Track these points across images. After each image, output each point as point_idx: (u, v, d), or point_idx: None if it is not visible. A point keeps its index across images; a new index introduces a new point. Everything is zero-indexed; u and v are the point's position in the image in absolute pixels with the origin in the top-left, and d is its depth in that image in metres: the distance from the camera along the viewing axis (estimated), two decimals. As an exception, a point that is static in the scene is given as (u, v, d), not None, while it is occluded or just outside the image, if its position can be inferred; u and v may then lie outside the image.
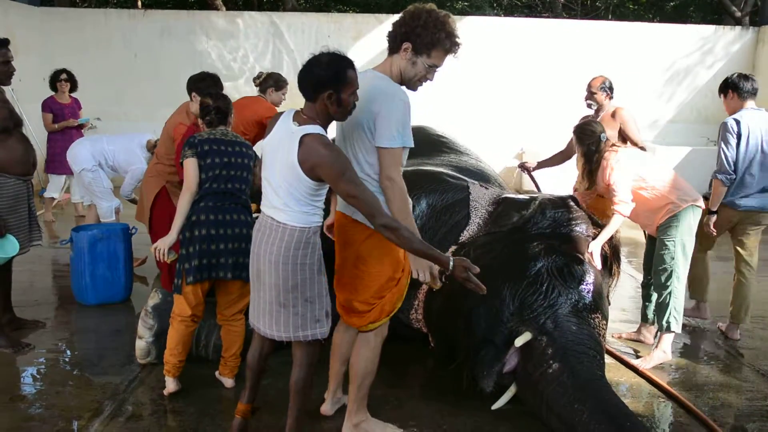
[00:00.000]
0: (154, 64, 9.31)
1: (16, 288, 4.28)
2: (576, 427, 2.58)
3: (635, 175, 3.74)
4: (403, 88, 2.63)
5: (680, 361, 3.88)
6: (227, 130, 3.32)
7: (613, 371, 3.64)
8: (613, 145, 3.90)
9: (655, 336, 3.95)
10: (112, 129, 8.19)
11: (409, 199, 2.61)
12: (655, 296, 3.94)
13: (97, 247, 4.55)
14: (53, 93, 6.83)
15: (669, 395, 3.41)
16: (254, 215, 3.29)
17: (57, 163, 6.66)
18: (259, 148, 2.82)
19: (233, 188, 3.20)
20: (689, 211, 3.71)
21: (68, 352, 3.87)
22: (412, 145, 2.58)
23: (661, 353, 3.76)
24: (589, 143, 3.83)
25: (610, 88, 4.75)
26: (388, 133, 2.51)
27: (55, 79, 6.77)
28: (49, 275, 5.43)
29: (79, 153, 5.38)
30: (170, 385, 3.24)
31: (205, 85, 4.07)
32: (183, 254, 3.14)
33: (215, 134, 3.25)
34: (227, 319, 3.33)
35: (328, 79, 2.36)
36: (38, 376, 3.54)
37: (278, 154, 2.45)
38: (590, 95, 4.77)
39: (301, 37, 9.55)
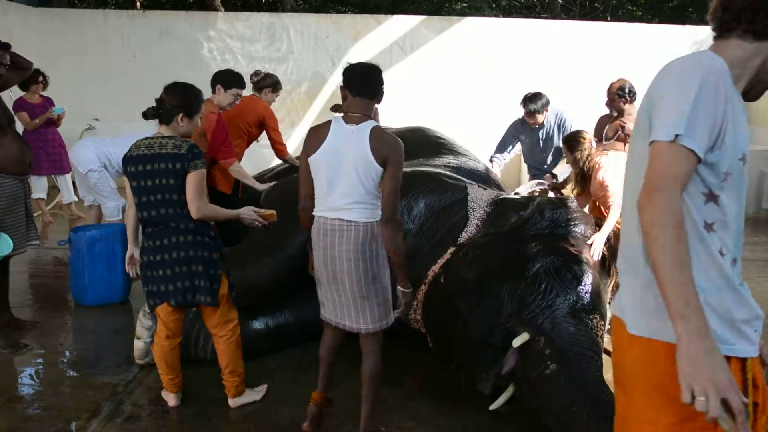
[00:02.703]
0: (153, 64, 9.29)
1: (14, 288, 4.28)
2: (575, 428, 2.58)
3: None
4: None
5: (678, 362, 3.89)
6: (156, 140, 2.97)
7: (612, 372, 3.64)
8: (604, 149, 4.06)
9: None
10: (110, 130, 8.20)
11: None
12: None
13: (95, 248, 4.55)
14: (23, 93, 6.65)
15: (667, 396, 3.41)
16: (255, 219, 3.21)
17: (35, 164, 6.58)
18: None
19: (159, 216, 2.94)
20: None
21: (66, 352, 3.86)
22: (683, 140, 1.47)
23: None
24: (579, 151, 3.95)
25: (630, 93, 4.54)
26: (658, 121, 1.56)
27: (30, 80, 6.44)
28: (48, 276, 5.42)
29: (83, 154, 5.34)
30: (170, 400, 3.18)
31: (232, 79, 4.12)
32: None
33: (140, 149, 2.96)
34: (212, 329, 3.17)
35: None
36: (36, 377, 3.54)
37: (343, 156, 2.60)
38: (609, 101, 4.67)
39: (300, 38, 9.55)
